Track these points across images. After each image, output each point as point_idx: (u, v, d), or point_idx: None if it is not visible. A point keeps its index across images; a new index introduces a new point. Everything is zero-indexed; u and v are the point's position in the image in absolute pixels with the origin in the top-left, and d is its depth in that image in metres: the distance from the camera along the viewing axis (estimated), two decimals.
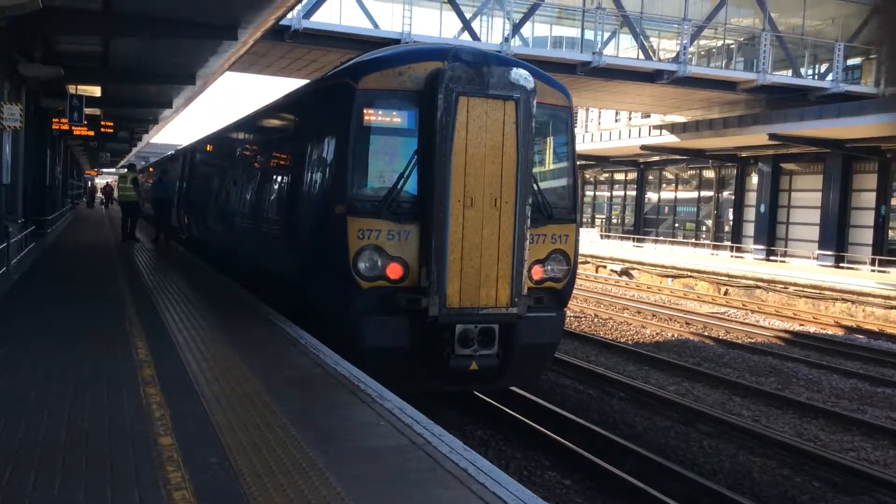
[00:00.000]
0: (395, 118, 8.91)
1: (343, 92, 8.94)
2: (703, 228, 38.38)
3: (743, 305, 24.49)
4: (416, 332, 8.79)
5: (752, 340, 17.59)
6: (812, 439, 9.83)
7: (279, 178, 11.32)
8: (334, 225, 8.82)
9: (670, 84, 25.35)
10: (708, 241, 37.09)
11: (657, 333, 17.87)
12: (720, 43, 30.42)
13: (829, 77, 27.71)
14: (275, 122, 12.50)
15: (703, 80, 26.08)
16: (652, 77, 24.14)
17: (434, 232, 8.49)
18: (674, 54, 27.56)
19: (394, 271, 8.71)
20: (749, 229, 34.52)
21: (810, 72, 29.84)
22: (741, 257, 34.01)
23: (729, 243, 35.64)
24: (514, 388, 10.25)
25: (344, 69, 9.47)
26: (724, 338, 17.67)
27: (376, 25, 23.94)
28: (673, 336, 17.59)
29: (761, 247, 32.69)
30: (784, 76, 27.65)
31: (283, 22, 20.51)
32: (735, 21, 28.28)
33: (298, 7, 21.34)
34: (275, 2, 12.28)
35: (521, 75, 8.74)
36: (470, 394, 10.22)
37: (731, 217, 36.45)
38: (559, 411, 9.83)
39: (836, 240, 29.65)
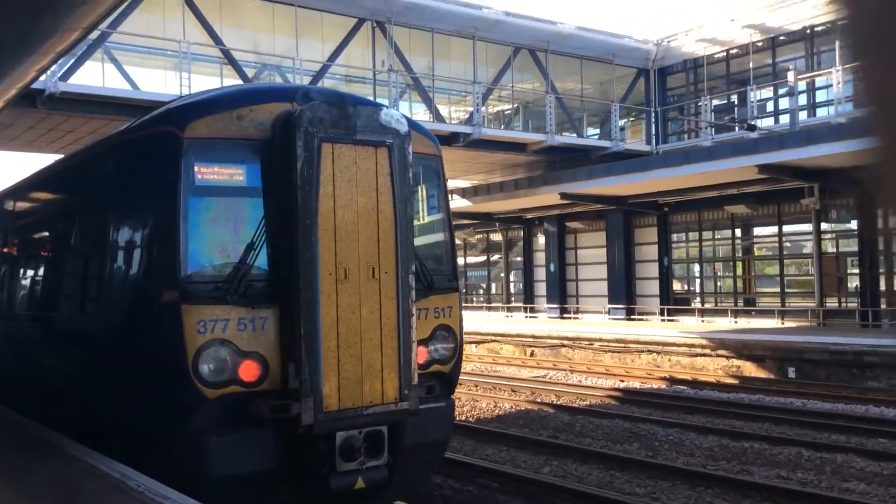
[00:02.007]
0: (237, 174, 6.95)
1: (165, 143, 6.85)
2: (495, 291, 38.42)
3: (554, 366, 24.14)
4: (281, 448, 6.75)
5: (589, 403, 16.87)
6: None
7: (78, 262, 8.71)
8: (163, 317, 6.63)
9: (464, 147, 24.91)
10: (500, 304, 37.07)
11: (493, 406, 16.63)
12: (507, 107, 30.80)
13: (606, 138, 28.73)
14: (67, 187, 9.68)
15: (496, 143, 25.94)
16: (448, 140, 23.53)
17: (302, 315, 6.57)
18: (465, 118, 27.32)
19: (248, 371, 6.64)
20: (540, 289, 34.88)
21: (589, 132, 30.90)
22: (535, 317, 34.18)
23: (521, 304, 35.78)
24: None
25: (163, 114, 7.34)
26: (560, 402, 16.83)
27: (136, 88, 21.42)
28: (511, 407, 16.42)
29: (554, 305, 33.02)
30: (569, 137, 28.28)
31: (35, 85, 17.54)
32: (519, 84, 28.67)
33: (53, 67, 18.41)
34: (43, 45, 9.80)
35: (392, 117, 7.16)
36: None
37: (521, 278, 36.77)
38: None
39: (625, 293, 30.49)
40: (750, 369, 21.10)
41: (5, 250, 11.89)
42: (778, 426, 13.72)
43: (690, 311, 29.17)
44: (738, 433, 12.98)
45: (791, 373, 20.24)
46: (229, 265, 6.71)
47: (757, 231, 28.33)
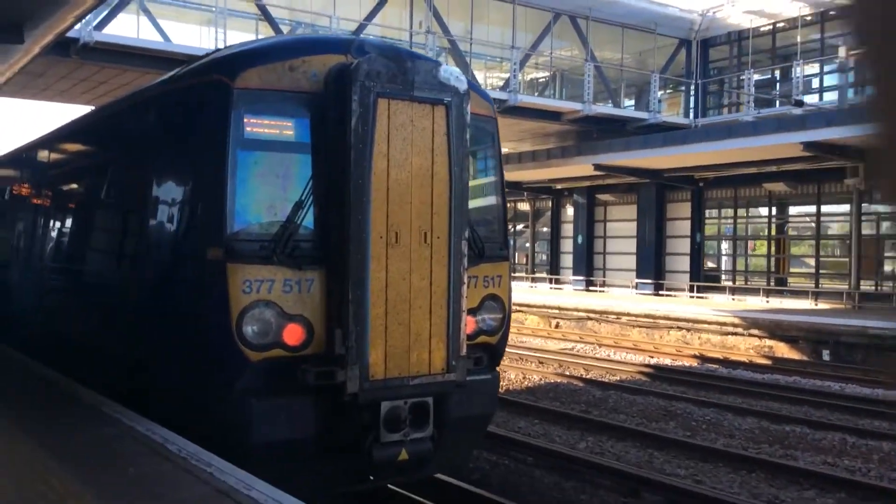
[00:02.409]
0: (288, 129, 6.62)
1: (214, 93, 6.53)
2: (519, 260, 38.06)
3: (580, 338, 23.85)
4: (324, 416, 6.50)
5: (619, 378, 16.58)
6: (776, 502, 8.53)
7: (115, 217, 8.46)
8: (207, 276, 6.36)
9: (500, 114, 24.38)
10: (525, 274, 36.73)
11: (522, 377, 16.37)
12: (541, 75, 30.20)
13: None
14: (110, 139, 9.24)
15: (530, 110, 25.40)
16: None
17: (351, 279, 6.27)
18: (498, 85, 26.79)
19: (293, 335, 6.38)
20: (567, 260, 34.48)
21: (627, 103, 30.26)
22: (560, 288, 33.82)
23: (546, 275, 35.43)
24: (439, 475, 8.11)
25: (211, 62, 7.00)
26: (589, 376, 16.56)
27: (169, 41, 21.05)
28: (539, 379, 16.17)
29: (580, 278, 32.64)
30: (605, 107, 27.67)
31: (69, 34, 17.24)
32: (557, 52, 28.05)
33: (88, 16, 18.10)
34: None
35: (452, 74, 6.79)
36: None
37: (546, 249, 36.38)
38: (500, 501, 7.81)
39: (653, 268, 30.04)
40: (783, 350, 20.71)
41: (37, 201, 11.58)
42: (817, 410, 13.37)
43: (721, 289, 28.68)
44: (777, 416, 12.64)
45: (826, 355, 19.82)
46: (276, 224, 6.42)
47: (794, 210, 27.71)
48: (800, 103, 22.06)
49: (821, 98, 26.48)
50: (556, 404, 13.56)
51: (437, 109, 6.70)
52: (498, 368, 7.79)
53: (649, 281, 30.07)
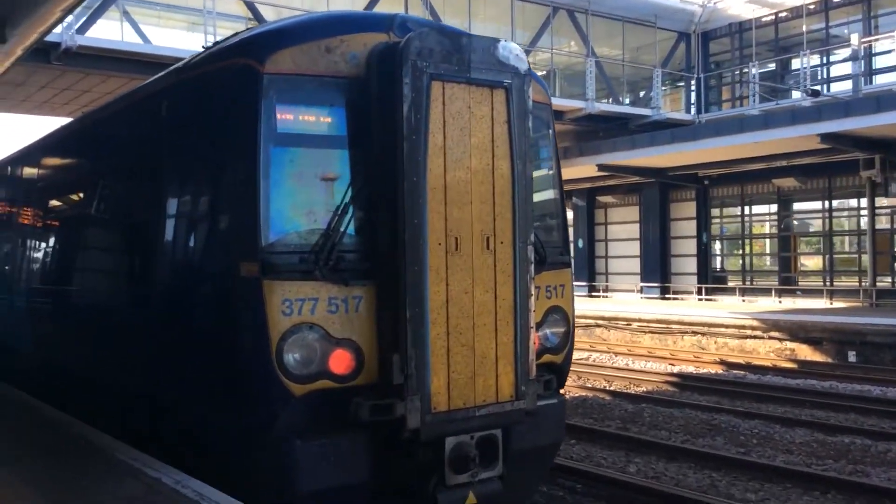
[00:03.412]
0: (327, 119, 5.66)
1: (240, 79, 5.55)
2: None
3: (591, 346, 22.95)
4: (379, 456, 5.54)
5: (646, 389, 15.71)
6: None
7: (121, 233, 7.39)
8: (240, 295, 5.38)
9: None
10: None
11: None
12: (539, 72, 29.29)
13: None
14: (114, 142, 8.04)
15: None
16: None
17: (408, 295, 5.31)
18: None
19: (341, 363, 5.41)
20: None
21: (627, 100, 29.47)
22: None
23: None
24: None
25: (234, 45, 5.98)
26: (613, 388, 15.67)
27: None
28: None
29: (583, 283, 31.74)
30: (609, 105, 26.85)
31: (50, 38, 16.20)
32: (555, 48, 27.22)
33: (69, 18, 17.06)
34: None
35: (511, 52, 5.85)
36: None
37: None
38: None
39: (659, 271, 29.22)
40: (805, 353, 19.90)
41: (28, 218, 10.42)
42: (866, 417, 12.55)
43: (730, 291, 27.90)
44: (828, 426, 11.78)
45: (851, 357, 19.04)
46: (317, 232, 5.45)
47: (804, 206, 26.98)
48: (816, 93, 21.33)
49: (828, 89, 25.78)
50: (590, 421, 12.62)
51: (496, 94, 5.77)
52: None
53: (655, 284, 29.24)
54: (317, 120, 5.60)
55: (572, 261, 6.91)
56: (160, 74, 6.92)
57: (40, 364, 9.42)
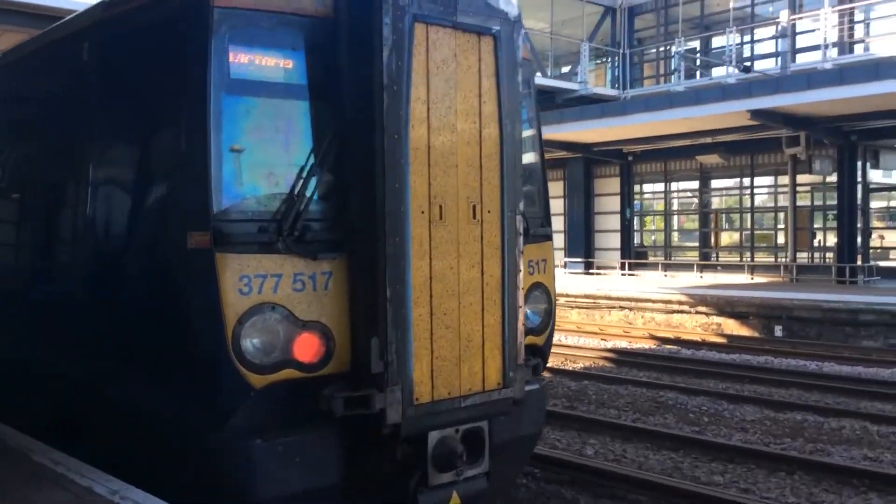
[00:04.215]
0: (289, 65, 4.84)
1: (185, 15, 4.68)
2: None
3: None
4: (351, 455, 4.83)
5: (583, 365, 15.39)
6: None
7: (51, 197, 6.21)
8: (188, 271, 4.55)
9: None
10: None
11: None
12: None
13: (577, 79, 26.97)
14: (29, 90, 6.83)
15: None
16: None
17: (388, 270, 4.59)
18: None
19: (308, 349, 4.66)
20: None
21: (552, 75, 29.10)
22: None
23: None
24: None
25: None
26: (552, 365, 15.24)
27: None
28: None
29: None
30: (537, 78, 26.34)
31: None
32: None
33: None
34: None
35: None
36: None
37: None
38: None
39: (583, 246, 29.14)
40: (732, 327, 20.04)
41: None
42: (809, 392, 12.47)
43: (653, 266, 28.04)
44: (777, 402, 11.62)
45: (778, 331, 19.25)
46: (279, 197, 4.67)
47: (726, 183, 27.25)
48: (747, 69, 21.34)
49: (750, 68, 25.98)
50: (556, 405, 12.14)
51: (483, 42, 5.07)
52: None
53: (579, 259, 29.17)
54: (277, 64, 4.77)
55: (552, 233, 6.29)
56: (82, 11, 5.90)
57: None
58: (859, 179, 22.95)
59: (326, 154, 4.77)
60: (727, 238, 28.33)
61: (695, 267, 26.59)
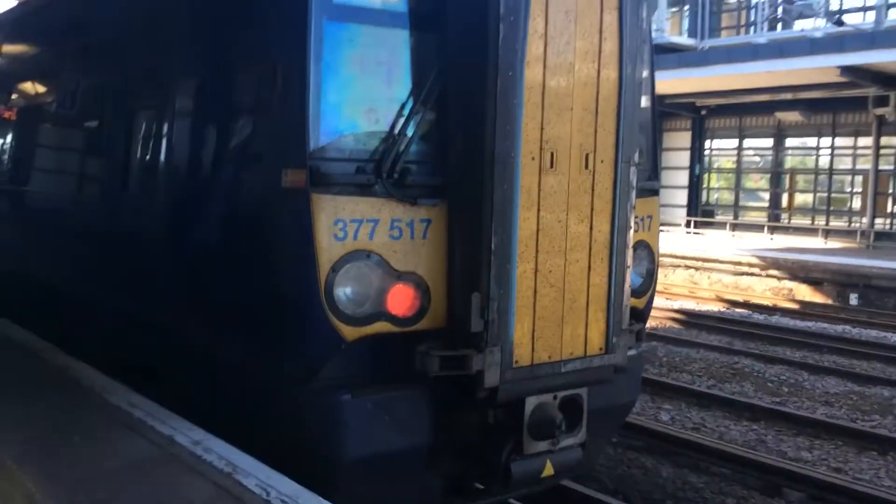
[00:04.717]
0: None
1: None
2: None
3: None
4: (445, 418, 4.51)
5: (653, 326, 14.84)
6: None
7: (134, 133, 5.80)
8: (281, 211, 4.22)
9: None
10: None
11: None
12: None
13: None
14: (105, 18, 6.49)
15: None
16: None
17: (495, 220, 4.19)
18: None
19: (403, 302, 4.32)
20: None
21: None
22: None
23: None
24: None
25: None
26: None
27: None
28: None
29: None
30: None
31: None
32: None
33: None
34: None
35: None
36: None
37: None
38: None
39: None
40: (804, 293, 19.27)
41: (31, 114, 8.50)
42: (894, 367, 11.84)
43: (719, 225, 27.16)
44: (862, 376, 11.08)
45: (853, 300, 18.44)
46: (379, 135, 4.28)
47: (805, 142, 26.09)
48: (840, 22, 20.16)
49: (843, 21, 24.62)
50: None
51: None
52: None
53: None
54: None
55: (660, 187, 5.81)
56: None
57: (18, 282, 8.06)
58: None
59: (430, 91, 4.36)
60: (800, 199, 27.26)
61: (764, 228, 25.68)
